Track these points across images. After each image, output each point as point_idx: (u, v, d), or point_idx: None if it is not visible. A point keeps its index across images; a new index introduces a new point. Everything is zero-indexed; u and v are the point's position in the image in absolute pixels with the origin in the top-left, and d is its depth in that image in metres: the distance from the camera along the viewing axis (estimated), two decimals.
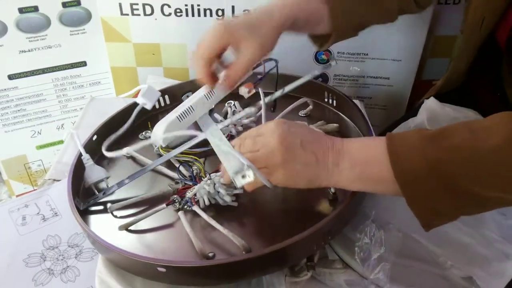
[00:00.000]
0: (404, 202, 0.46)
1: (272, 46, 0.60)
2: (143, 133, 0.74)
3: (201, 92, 0.69)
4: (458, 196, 0.45)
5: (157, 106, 0.78)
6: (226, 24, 0.58)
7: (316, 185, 0.51)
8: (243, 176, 0.52)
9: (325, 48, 0.70)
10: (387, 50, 0.96)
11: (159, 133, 0.66)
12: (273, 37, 0.59)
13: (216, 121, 0.71)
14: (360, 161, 0.49)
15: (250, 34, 0.57)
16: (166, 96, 0.79)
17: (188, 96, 0.68)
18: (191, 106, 0.68)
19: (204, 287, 0.54)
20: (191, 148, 0.66)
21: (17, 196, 1.19)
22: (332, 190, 0.58)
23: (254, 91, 0.69)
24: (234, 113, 0.73)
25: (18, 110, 1.07)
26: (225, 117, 0.74)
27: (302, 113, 0.75)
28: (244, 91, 0.70)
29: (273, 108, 0.74)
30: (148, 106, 0.70)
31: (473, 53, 0.72)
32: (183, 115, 0.66)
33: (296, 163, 0.49)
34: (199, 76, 0.60)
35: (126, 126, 0.71)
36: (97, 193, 0.62)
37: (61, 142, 1.12)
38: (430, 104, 0.72)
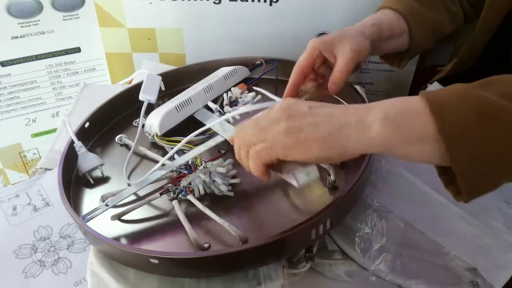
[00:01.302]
0: (406, 190, 0.43)
1: (364, 49, 0.60)
2: (137, 120, 0.71)
3: (200, 86, 0.71)
4: None
5: None
6: (320, 38, 0.61)
7: (339, 153, 0.42)
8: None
9: (404, 64, 0.71)
10: None
11: (155, 122, 0.64)
12: (363, 40, 0.60)
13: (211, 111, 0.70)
14: (395, 112, 0.40)
15: (341, 38, 0.59)
16: (162, 83, 0.77)
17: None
18: (189, 98, 0.68)
19: (199, 279, 0.52)
20: (186, 134, 0.64)
21: (12, 185, 1.17)
22: (332, 178, 0.56)
23: (247, 92, 0.71)
24: (230, 99, 0.71)
25: (12, 98, 1.05)
26: (221, 105, 0.72)
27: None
28: (236, 91, 0.70)
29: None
30: (153, 101, 0.69)
31: (491, 34, 0.70)
32: (181, 106, 0.67)
33: (305, 129, 0.42)
34: (289, 85, 0.60)
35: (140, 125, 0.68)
36: (102, 204, 0.57)
37: (56, 130, 1.10)
38: (434, 89, 0.70)
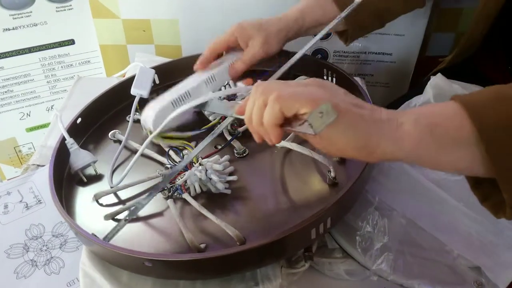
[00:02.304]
0: (408, 186, 0.41)
1: (276, 47, 0.67)
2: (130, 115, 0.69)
3: (200, 77, 0.66)
4: None
5: None
6: (241, 23, 0.66)
7: (367, 149, 0.38)
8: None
9: (350, 43, 0.74)
10: (389, 25, 0.91)
11: (150, 117, 0.62)
12: (278, 38, 0.66)
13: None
14: (427, 114, 0.37)
15: (257, 32, 0.65)
16: (156, 76, 0.75)
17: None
18: (188, 91, 0.63)
19: (195, 281, 0.51)
20: (182, 131, 0.62)
21: (8, 180, 1.16)
22: (332, 174, 0.54)
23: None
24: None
25: (6, 92, 1.03)
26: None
27: None
28: (241, 85, 0.67)
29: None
30: (145, 95, 0.66)
31: (490, 21, 0.68)
32: (178, 101, 0.62)
33: (338, 99, 0.39)
34: (198, 62, 0.67)
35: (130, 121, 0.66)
36: (120, 219, 0.52)
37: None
38: (437, 81, 0.68)
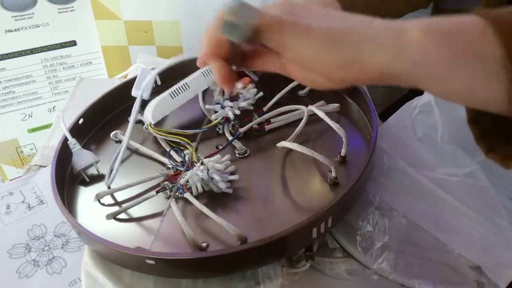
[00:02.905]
0: (408, 187, 0.40)
1: None
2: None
3: (198, 70, 0.67)
4: None
5: None
6: None
7: (357, 64, 0.32)
8: None
9: None
10: None
11: (149, 109, 0.63)
12: None
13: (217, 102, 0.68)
14: (440, 22, 0.32)
15: None
16: (157, 77, 0.75)
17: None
18: (186, 83, 0.65)
19: (197, 280, 0.51)
20: (182, 129, 0.63)
21: (10, 180, 1.16)
22: (333, 174, 0.54)
23: (250, 86, 0.68)
24: (231, 94, 0.69)
25: (7, 93, 1.03)
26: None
27: (301, 93, 0.71)
28: (239, 86, 0.68)
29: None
30: (146, 97, 0.67)
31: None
32: (177, 91, 0.64)
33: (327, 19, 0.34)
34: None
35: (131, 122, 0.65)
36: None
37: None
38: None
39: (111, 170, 0.58)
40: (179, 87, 0.65)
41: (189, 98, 0.66)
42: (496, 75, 0.29)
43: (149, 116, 0.62)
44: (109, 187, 0.58)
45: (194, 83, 0.66)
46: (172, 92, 0.64)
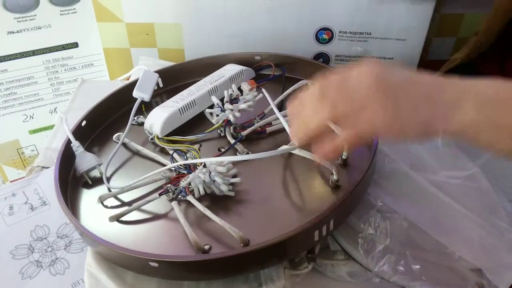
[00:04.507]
0: (410, 190, 0.41)
1: None
2: (135, 118, 0.70)
3: (205, 88, 0.69)
4: None
5: None
6: None
7: (430, 132, 0.39)
8: None
9: None
10: (391, 29, 0.92)
11: (158, 123, 0.63)
12: None
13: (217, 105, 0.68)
14: (492, 101, 0.37)
15: None
16: (160, 79, 0.76)
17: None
18: (193, 100, 0.68)
19: (199, 282, 0.51)
20: (184, 135, 0.64)
21: (11, 182, 1.16)
22: (335, 177, 0.55)
23: (255, 90, 0.68)
24: (231, 96, 0.70)
25: (9, 94, 1.03)
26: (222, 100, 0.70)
27: None
28: (246, 87, 0.68)
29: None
30: (147, 99, 0.67)
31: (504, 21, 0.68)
32: (185, 108, 0.66)
33: (400, 108, 0.38)
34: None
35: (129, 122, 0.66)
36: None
37: (54, 126, 1.08)
38: None
39: (106, 170, 0.59)
40: (187, 104, 0.67)
41: (196, 113, 0.69)
42: None
43: (157, 130, 0.63)
44: (109, 190, 0.58)
45: (201, 100, 0.69)
46: (181, 108, 0.66)
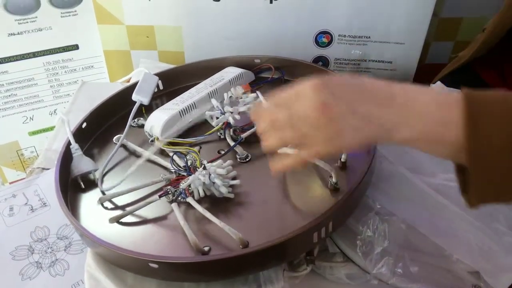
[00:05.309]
0: (408, 192, 0.42)
1: None
2: (136, 120, 0.70)
3: (205, 91, 0.69)
4: None
5: None
6: None
7: (366, 145, 0.45)
8: None
9: None
10: (390, 33, 0.92)
11: (158, 125, 0.64)
12: None
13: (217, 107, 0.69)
14: (428, 122, 0.39)
15: None
16: (160, 82, 0.76)
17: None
18: (194, 102, 0.68)
19: (199, 283, 0.51)
20: (184, 137, 0.64)
21: (10, 183, 1.16)
22: (334, 180, 0.55)
23: (249, 93, 0.69)
24: (231, 98, 0.70)
25: (9, 95, 1.04)
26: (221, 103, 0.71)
27: None
28: (239, 91, 0.69)
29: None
30: (146, 102, 0.68)
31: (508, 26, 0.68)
32: (185, 111, 0.67)
33: (345, 135, 0.41)
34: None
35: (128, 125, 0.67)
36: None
37: (54, 128, 1.09)
38: (437, 89, 0.69)
39: (103, 173, 0.60)
40: (187, 106, 0.67)
41: (196, 116, 0.69)
42: (455, 156, 0.40)
43: (158, 132, 0.64)
44: (103, 193, 0.59)
45: (201, 103, 0.69)
46: (181, 110, 0.66)
